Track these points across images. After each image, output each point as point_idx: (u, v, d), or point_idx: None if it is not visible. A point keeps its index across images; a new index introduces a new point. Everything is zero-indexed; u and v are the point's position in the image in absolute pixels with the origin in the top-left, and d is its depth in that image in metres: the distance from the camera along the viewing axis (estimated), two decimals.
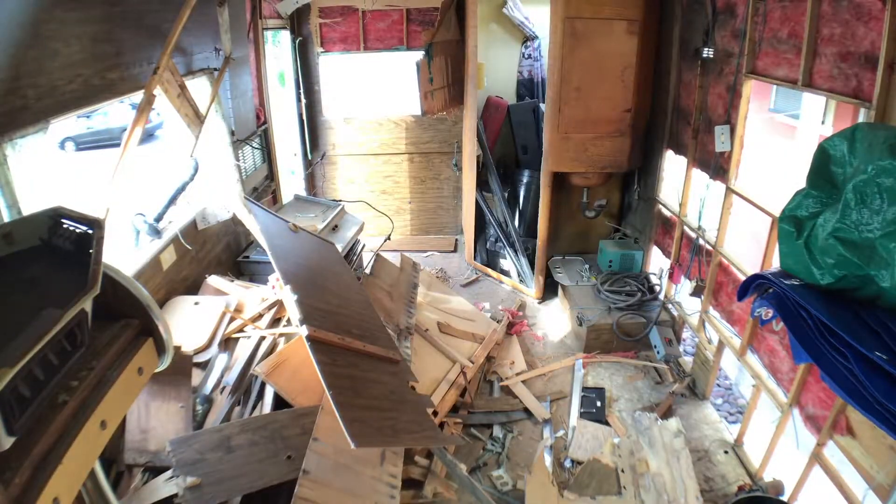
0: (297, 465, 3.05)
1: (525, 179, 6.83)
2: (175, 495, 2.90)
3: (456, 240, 8.20)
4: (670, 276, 5.48)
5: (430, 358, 4.89)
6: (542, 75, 7.37)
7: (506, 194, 6.89)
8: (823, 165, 2.82)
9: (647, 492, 3.80)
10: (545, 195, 6.12)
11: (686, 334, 5.81)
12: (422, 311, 5.43)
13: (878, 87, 2.78)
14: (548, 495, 3.68)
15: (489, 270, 7.21)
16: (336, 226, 5.65)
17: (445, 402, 4.53)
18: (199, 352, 3.85)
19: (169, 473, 3.02)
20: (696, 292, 4.87)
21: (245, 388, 3.72)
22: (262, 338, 4.01)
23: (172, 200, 4.43)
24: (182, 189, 4.49)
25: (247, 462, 3.08)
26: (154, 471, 3.14)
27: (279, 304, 4.26)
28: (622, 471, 3.99)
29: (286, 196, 6.68)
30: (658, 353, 5.40)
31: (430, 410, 3.84)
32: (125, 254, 3.92)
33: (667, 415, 4.57)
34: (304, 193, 7.20)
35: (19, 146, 2.62)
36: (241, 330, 4.10)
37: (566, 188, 6.39)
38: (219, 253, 5.04)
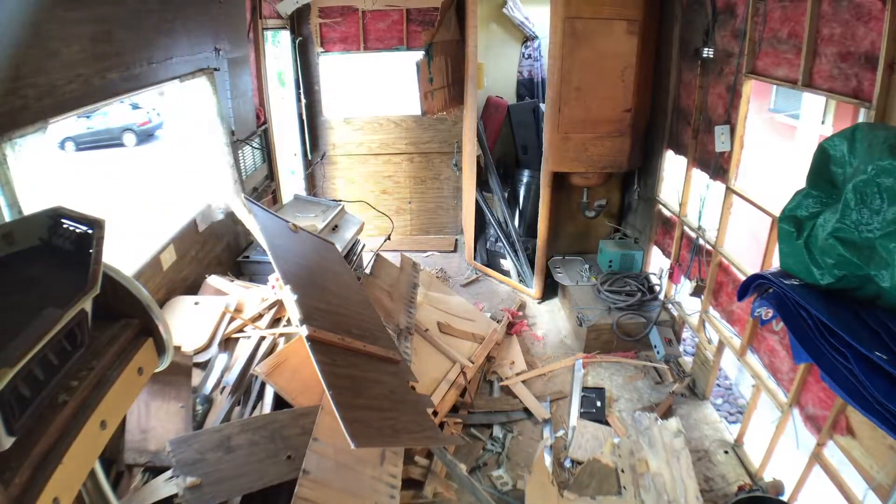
0: (297, 465, 3.05)
1: (525, 179, 6.83)
2: (175, 495, 2.90)
3: (456, 240, 8.20)
4: (670, 276, 5.48)
5: (430, 358, 4.89)
6: (542, 75, 7.36)
7: (506, 194, 6.89)
8: (823, 165, 2.82)
9: (647, 492, 3.80)
10: (545, 195, 6.12)
11: (686, 334, 5.80)
12: (422, 311, 5.43)
13: (878, 87, 2.78)
14: (548, 495, 3.68)
15: (489, 270, 7.21)
16: (336, 226, 5.65)
17: (445, 402, 4.53)
18: (199, 352, 3.85)
19: (169, 473, 3.02)
20: (696, 292, 4.87)
21: (245, 388, 3.72)
22: (262, 338, 4.01)
23: None
24: None
25: (247, 462, 3.08)
26: (154, 471, 3.14)
27: (279, 304, 4.26)
28: (622, 471, 3.98)
29: (286, 196, 6.69)
30: (658, 353, 5.39)
31: (430, 410, 3.84)
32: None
33: (667, 415, 4.56)
34: (304, 193, 7.21)
35: (19, 146, 2.62)
36: (241, 330, 4.10)
37: (566, 188, 6.39)
38: (219, 253, 5.03)
